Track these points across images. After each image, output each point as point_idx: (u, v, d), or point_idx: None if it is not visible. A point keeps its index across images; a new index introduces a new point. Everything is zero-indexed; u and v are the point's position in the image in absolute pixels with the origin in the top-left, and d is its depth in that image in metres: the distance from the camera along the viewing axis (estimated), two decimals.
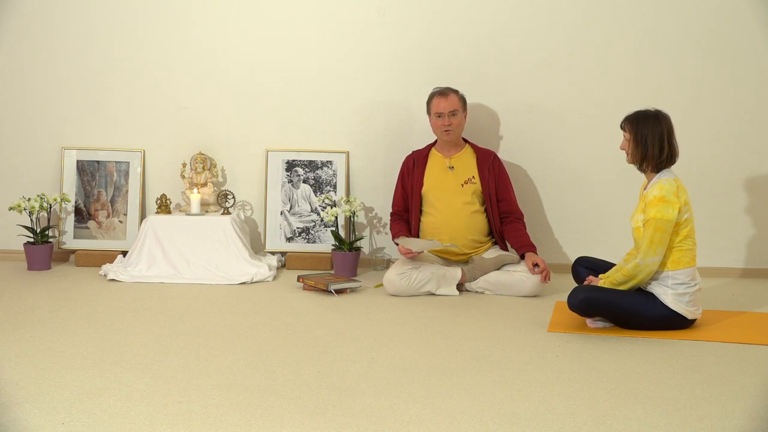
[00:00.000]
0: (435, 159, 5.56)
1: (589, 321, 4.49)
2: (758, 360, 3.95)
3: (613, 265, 4.71)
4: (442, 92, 5.47)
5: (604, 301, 4.37)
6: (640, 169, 4.48)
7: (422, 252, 5.30)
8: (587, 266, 4.87)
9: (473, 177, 5.48)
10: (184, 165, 6.06)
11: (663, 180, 4.37)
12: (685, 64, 5.84)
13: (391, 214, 5.63)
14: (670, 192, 4.31)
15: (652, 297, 4.40)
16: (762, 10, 5.71)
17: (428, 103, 5.52)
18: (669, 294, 4.36)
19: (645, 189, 4.48)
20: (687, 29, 5.81)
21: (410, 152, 5.67)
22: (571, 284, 4.77)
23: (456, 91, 5.49)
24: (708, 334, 4.36)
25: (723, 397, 3.43)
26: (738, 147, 5.87)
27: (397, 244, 5.28)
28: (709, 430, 3.09)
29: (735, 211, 5.90)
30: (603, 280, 4.49)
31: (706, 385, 3.58)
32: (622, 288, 4.41)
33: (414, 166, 5.57)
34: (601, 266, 4.80)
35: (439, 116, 5.44)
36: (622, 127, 4.48)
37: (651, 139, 4.36)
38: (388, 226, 5.91)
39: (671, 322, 4.39)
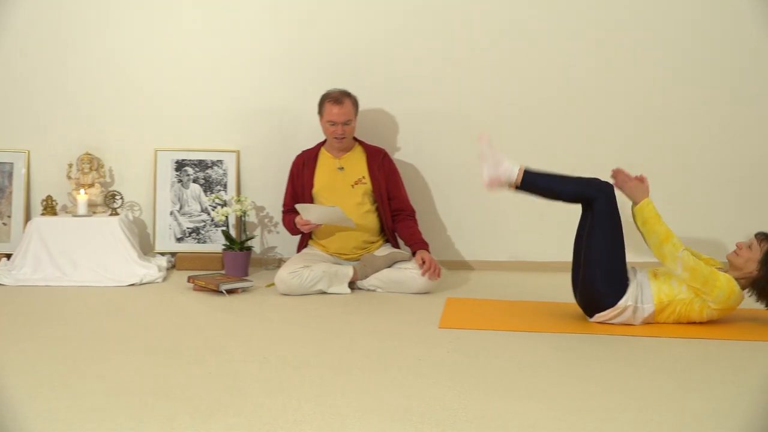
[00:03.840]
0: (325, 159, 5.55)
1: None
2: (758, 359, 3.94)
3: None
4: (337, 99, 5.39)
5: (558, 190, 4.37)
6: (743, 283, 4.37)
7: (320, 225, 5.31)
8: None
9: (363, 177, 5.48)
10: (71, 165, 5.93)
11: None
12: (685, 63, 5.92)
13: (283, 212, 5.61)
14: (735, 298, 4.31)
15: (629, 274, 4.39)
16: (762, 10, 5.78)
17: (320, 105, 5.46)
18: (648, 288, 4.36)
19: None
20: (687, 29, 5.89)
21: (300, 152, 5.64)
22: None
23: (349, 95, 5.44)
24: (709, 333, 4.30)
25: (723, 397, 3.41)
26: (738, 147, 5.96)
27: (294, 224, 5.34)
28: (709, 430, 3.06)
29: (733, 209, 5.96)
30: (648, 203, 4.34)
31: (706, 384, 3.56)
32: (645, 228, 4.33)
33: (304, 167, 5.53)
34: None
35: (332, 124, 5.41)
36: (758, 238, 4.38)
37: None
38: (280, 224, 5.88)
39: (590, 298, 4.40)
